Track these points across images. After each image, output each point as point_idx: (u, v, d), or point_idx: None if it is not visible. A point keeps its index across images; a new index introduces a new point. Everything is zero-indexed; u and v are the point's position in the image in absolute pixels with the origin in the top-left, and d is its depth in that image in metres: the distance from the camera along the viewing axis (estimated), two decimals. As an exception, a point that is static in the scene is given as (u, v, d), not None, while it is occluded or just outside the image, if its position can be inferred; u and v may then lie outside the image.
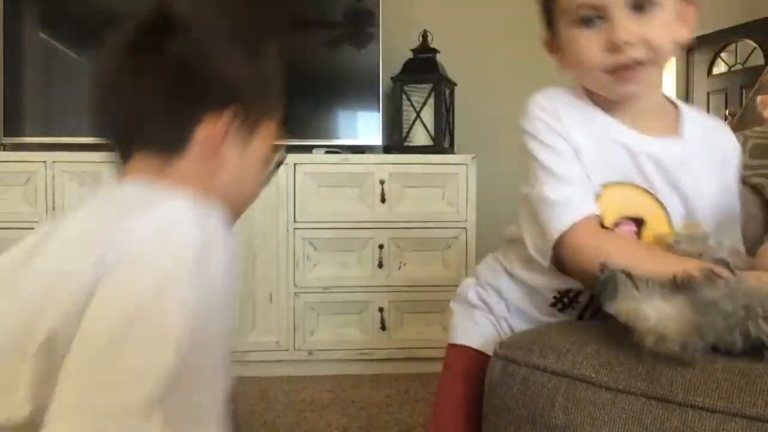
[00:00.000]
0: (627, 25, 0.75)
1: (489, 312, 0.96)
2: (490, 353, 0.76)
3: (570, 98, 0.86)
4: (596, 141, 0.82)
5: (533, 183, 0.85)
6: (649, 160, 0.81)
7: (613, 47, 0.76)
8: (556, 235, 0.77)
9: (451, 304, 1.04)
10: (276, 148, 0.78)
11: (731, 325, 0.60)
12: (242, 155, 0.71)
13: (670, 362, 0.61)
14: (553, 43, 0.87)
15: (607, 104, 0.83)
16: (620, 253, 0.72)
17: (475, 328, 0.97)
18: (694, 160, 0.82)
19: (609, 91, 0.81)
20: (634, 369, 0.63)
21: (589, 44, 0.78)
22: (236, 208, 0.74)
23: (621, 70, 0.77)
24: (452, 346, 1.01)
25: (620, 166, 0.82)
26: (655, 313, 0.61)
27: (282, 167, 2.05)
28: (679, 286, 0.63)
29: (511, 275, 0.92)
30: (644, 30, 0.75)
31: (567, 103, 0.85)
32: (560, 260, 0.80)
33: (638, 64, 0.76)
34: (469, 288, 0.99)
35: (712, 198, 0.84)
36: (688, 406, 0.59)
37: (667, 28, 0.77)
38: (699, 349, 0.60)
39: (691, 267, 0.66)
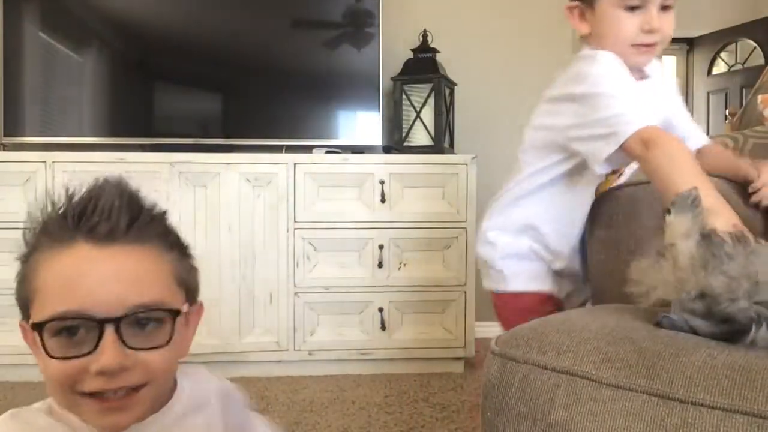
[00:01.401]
0: (658, 18, 1.06)
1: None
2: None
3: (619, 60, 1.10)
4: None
5: (602, 106, 1.03)
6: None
7: (649, 30, 1.06)
8: (632, 128, 0.97)
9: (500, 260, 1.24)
10: None
11: (734, 290, 0.63)
12: None
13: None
14: (584, 14, 1.12)
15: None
16: (683, 157, 0.93)
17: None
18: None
19: (630, 58, 1.09)
20: (635, 365, 0.63)
21: (628, 25, 1.07)
22: None
23: (645, 47, 1.08)
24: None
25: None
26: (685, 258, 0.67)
27: (282, 167, 2.06)
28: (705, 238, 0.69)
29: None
30: (663, 24, 1.07)
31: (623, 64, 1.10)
32: (631, 153, 0.99)
33: (654, 44, 1.09)
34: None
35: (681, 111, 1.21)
36: (688, 403, 0.59)
37: (672, 25, 1.09)
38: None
39: (726, 220, 0.78)
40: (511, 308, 1.25)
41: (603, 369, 0.64)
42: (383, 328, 2.06)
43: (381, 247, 2.05)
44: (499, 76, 2.61)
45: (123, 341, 0.56)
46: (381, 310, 2.06)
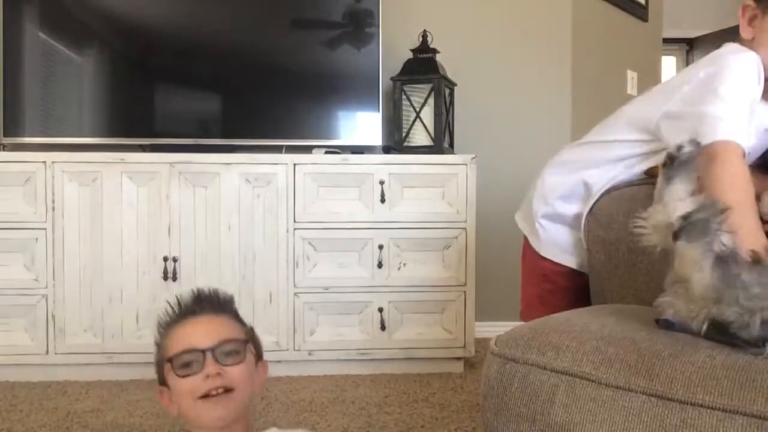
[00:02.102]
0: None
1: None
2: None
3: (761, 69, 1.05)
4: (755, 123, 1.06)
5: (709, 101, 1.00)
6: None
7: None
8: (716, 137, 0.94)
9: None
10: None
11: (754, 307, 0.62)
12: None
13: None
14: (754, 19, 1.08)
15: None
16: (739, 181, 0.93)
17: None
18: None
19: None
20: (634, 366, 0.63)
21: None
22: None
23: None
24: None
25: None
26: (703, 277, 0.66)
27: (282, 167, 2.06)
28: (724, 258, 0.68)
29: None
30: None
31: (761, 75, 1.04)
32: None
33: None
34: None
35: None
36: (688, 404, 0.59)
37: None
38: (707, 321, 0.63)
39: (756, 240, 0.79)
40: (535, 270, 1.34)
41: (602, 369, 0.64)
42: (383, 328, 2.06)
43: (381, 247, 2.06)
44: (499, 76, 2.61)
45: (216, 360, 0.94)
46: (381, 310, 2.06)
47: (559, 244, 1.29)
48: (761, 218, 1.09)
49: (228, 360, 0.95)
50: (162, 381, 1.00)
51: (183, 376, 0.95)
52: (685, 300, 0.68)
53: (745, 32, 1.10)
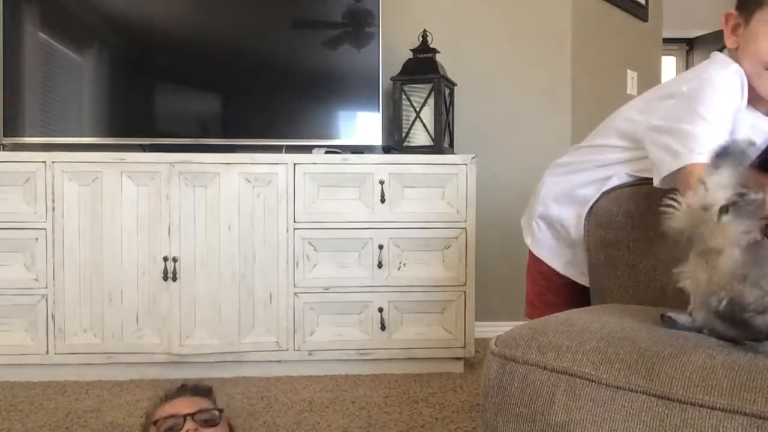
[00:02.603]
0: None
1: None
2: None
3: (744, 81, 1.05)
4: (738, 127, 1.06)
5: (691, 120, 1.00)
6: (755, 132, 1.07)
7: None
8: (695, 159, 0.94)
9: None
10: None
11: (765, 305, 0.62)
12: None
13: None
14: (737, 28, 1.08)
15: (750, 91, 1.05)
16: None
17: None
18: None
19: (762, 84, 1.03)
20: (634, 366, 0.63)
21: None
22: None
23: None
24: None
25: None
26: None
27: (282, 167, 2.06)
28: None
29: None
30: None
31: (743, 86, 1.04)
32: (677, 180, 0.97)
33: None
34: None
35: None
36: (688, 404, 0.59)
37: None
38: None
39: None
40: (534, 268, 1.37)
41: (602, 369, 0.64)
42: (383, 328, 2.06)
43: (381, 247, 2.05)
44: (499, 76, 2.61)
45: (195, 421, 1.17)
46: (381, 310, 2.06)
47: (548, 246, 1.32)
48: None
49: (205, 424, 1.18)
50: None
51: None
52: (709, 273, 0.68)
53: (729, 41, 1.11)
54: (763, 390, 0.57)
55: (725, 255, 0.67)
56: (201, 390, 1.30)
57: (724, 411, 0.57)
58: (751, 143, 0.77)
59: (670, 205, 0.74)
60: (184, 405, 1.21)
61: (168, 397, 1.26)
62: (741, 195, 0.69)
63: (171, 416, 1.17)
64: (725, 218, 0.69)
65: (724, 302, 0.66)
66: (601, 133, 1.25)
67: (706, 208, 0.70)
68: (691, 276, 0.71)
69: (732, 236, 0.68)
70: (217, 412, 1.23)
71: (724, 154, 0.73)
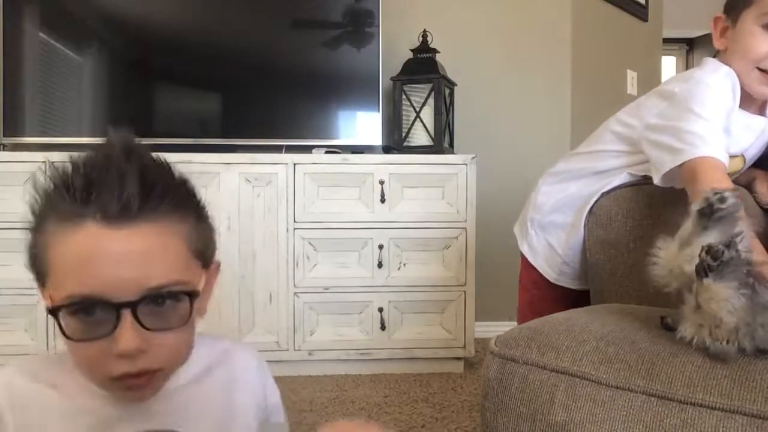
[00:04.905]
0: None
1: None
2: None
3: (736, 83, 1.05)
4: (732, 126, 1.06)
5: (687, 118, 1.00)
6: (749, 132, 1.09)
7: None
8: (697, 153, 0.94)
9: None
10: None
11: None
12: None
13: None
14: (726, 31, 1.09)
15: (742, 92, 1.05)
16: None
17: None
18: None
19: (752, 84, 1.04)
20: (634, 366, 0.63)
21: (760, 42, 1.01)
22: None
23: None
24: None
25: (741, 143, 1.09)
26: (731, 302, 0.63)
27: (282, 167, 2.06)
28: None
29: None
30: None
31: (735, 88, 1.05)
32: (681, 177, 0.97)
33: None
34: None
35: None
36: (687, 404, 0.59)
37: None
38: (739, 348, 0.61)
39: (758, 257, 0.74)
40: (526, 276, 1.37)
41: (602, 369, 0.64)
42: (383, 328, 2.06)
43: (381, 247, 2.05)
44: (499, 76, 2.60)
45: (141, 323, 0.53)
46: (381, 310, 2.06)
47: (543, 254, 1.31)
48: (760, 206, 1.10)
49: (159, 323, 0.55)
50: (42, 283, 0.58)
51: (78, 340, 0.54)
52: (710, 331, 0.66)
53: (718, 43, 1.12)
54: (763, 390, 0.57)
55: (725, 320, 0.63)
56: (147, 188, 0.57)
57: (724, 411, 0.57)
58: (737, 195, 0.74)
59: (655, 263, 0.71)
60: (117, 267, 0.53)
61: (82, 202, 0.56)
62: (715, 257, 0.64)
63: (86, 300, 0.52)
64: (707, 281, 0.65)
65: (726, 342, 0.64)
66: (598, 138, 1.25)
67: (689, 275, 0.66)
68: (693, 331, 0.67)
69: (724, 299, 0.64)
70: (191, 289, 0.58)
71: (714, 215, 0.68)
